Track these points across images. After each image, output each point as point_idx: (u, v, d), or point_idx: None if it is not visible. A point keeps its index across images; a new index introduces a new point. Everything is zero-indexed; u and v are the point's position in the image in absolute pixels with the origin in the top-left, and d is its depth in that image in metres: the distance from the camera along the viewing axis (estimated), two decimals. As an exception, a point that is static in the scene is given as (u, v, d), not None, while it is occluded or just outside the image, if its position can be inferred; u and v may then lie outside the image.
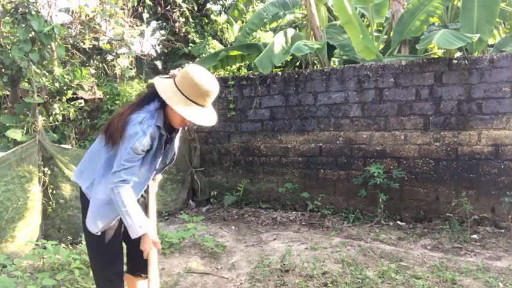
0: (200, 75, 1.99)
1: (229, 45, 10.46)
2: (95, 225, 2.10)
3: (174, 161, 2.36)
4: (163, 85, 2.02)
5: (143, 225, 1.98)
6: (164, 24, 10.71)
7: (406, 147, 5.09)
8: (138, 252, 2.26)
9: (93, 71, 8.51)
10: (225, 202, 6.04)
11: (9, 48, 4.87)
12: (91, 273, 2.81)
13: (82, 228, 2.26)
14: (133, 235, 1.99)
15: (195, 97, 1.99)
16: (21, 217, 4.00)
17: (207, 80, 1.99)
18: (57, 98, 5.92)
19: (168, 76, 2.08)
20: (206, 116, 2.05)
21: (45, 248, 3.65)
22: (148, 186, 2.30)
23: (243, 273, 3.50)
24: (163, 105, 2.08)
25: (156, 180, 2.48)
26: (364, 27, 6.02)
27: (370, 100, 5.27)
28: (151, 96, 2.12)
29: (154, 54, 11.90)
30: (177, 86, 2.01)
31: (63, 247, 4.12)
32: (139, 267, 2.32)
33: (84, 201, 2.18)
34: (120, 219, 2.10)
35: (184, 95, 1.99)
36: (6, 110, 5.68)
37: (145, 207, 2.29)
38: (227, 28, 11.35)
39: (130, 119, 2.01)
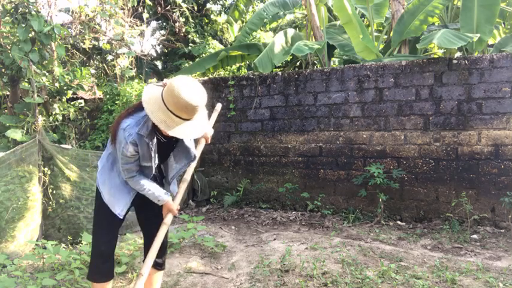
0: (182, 87, 1.93)
1: (229, 45, 10.47)
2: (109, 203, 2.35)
3: (196, 159, 2.50)
4: (150, 92, 2.04)
5: (160, 198, 2.33)
6: (164, 24, 10.72)
7: (406, 147, 5.09)
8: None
9: (93, 71, 8.52)
10: (225, 202, 6.03)
11: (9, 48, 4.87)
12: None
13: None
14: (159, 204, 2.37)
15: (174, 109, 1.95)
16: (21, 217, 3.99)
17: (188, 93, 1.92)
18: (57, 98, 5.92)
19: (160, 84, 2.08)
20: (183, 129, 2.01)
21: (45, 248, 3.64)
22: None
23: (243, 273, 3.49)
24: None
25: (191, 166, 2.58)
26: (364, 27, 6.02)
27: (370, 100, 5.27)
28: None
29: (155, 54, 11.91)
30: (162, 95, 2.00)
31: (63, 247, 4.11)
32: (156, 260, 2.52)
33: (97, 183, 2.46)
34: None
35: (165, 104, 1.97)
36: (6, 110, 5.67)
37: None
38: (227, 28, 11.35)
39: (120, 123, 2.16)
